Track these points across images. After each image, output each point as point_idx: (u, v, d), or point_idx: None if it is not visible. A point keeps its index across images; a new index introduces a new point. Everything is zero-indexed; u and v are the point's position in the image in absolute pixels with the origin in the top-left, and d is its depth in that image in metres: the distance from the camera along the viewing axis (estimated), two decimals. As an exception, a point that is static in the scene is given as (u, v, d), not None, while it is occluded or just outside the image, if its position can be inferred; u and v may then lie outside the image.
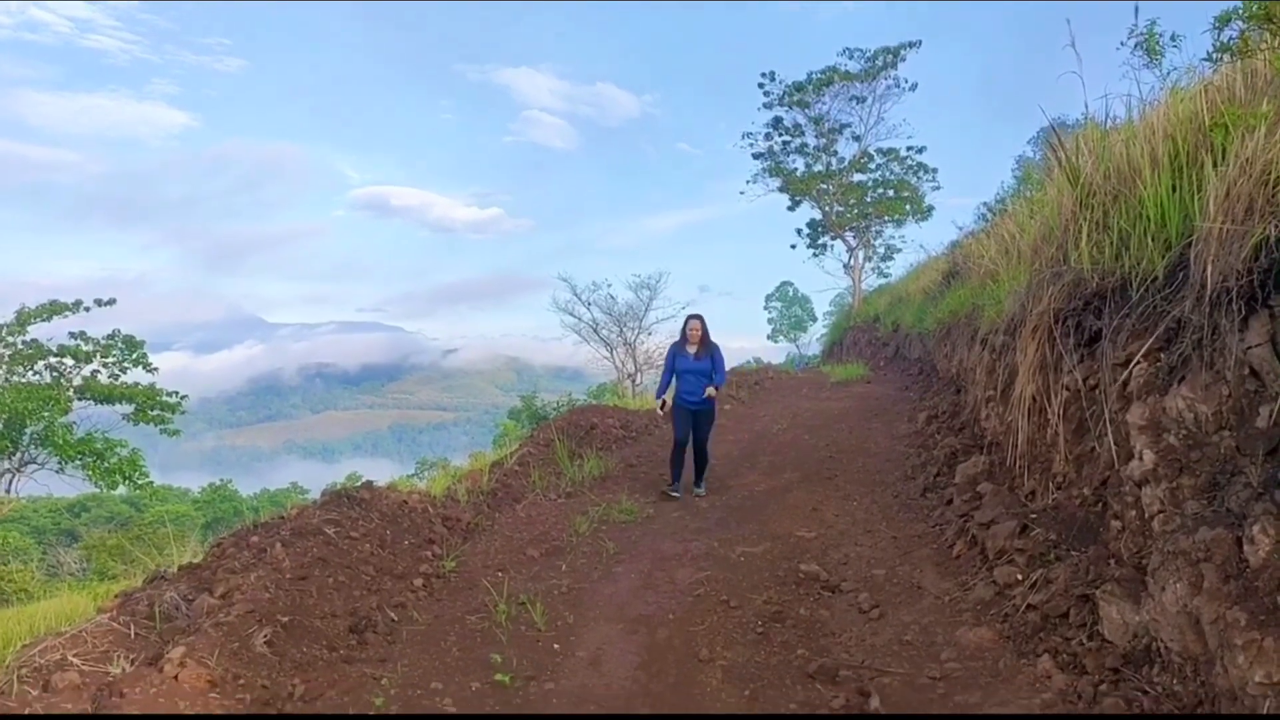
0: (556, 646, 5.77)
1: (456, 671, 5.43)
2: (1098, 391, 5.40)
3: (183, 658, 4.71)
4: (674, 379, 9.90)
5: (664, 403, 9.93)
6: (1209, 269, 4.25)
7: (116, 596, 6.10)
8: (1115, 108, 6.52)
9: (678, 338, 10.05)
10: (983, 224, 16.01)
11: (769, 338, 48.50)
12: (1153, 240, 5.00)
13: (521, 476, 10.78)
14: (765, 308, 48.67)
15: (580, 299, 24.21)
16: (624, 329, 24.27)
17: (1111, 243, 5.44)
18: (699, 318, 9.83)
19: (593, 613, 6.34)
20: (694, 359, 9.65)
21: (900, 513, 7.92)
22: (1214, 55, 5.79)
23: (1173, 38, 6.30)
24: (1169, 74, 6.29)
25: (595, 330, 24.30)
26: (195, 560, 6.82)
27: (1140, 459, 4.64)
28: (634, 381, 23.16)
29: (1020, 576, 5.51)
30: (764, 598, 6.32)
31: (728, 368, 12.09)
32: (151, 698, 4.37)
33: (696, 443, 9.77)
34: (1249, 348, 4.03)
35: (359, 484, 8.77)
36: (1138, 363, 4.85)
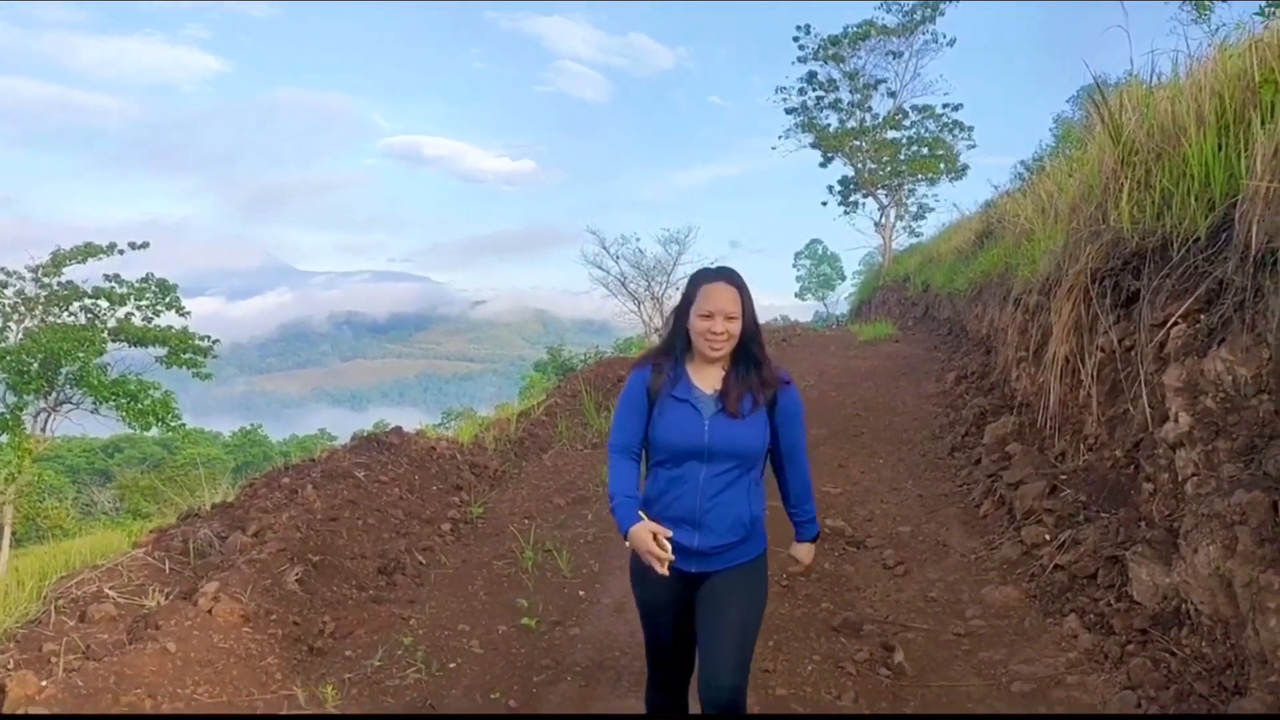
0: (582, 593, 5.83)
1: (483, 614, 5.50)
2: (1133, 353, 5.33)
3: (216, 592, 4.80)
4: (641, 469, 3.24)
5: (657, 541, 2.94)
6: (1254, 229, 4.17)
7: (151, 532, 6.23)
8: (1161, 64, 6.39)
9: (660, 347, 3.38)
10: (1019, 183, 15.76)
11: (797, 295, 48.15)
12: (1196, 199, 4.90)
13: (548, 426, 10.86)
14: (794, 265, 48.33)
15: (609, 252, 24.16)
16: (651, 283, 24.22)
17: (1153, 202, 5.34)
18: (733, 281, 3.10)
19: (618, 561, 6.39)
20: (715, 409, 3.09)
21: (927, 471, 7.90)
22: (1265, 10, 5.66)
23: (1222, -7, 6.16)
24: (1217, 30, 6.16)
25: (623, 284, 24.26)
26: (228, 500, 6.93)
27: (1175, 421, 4.58)
28: (661, 335, 23.10)
29: (1048, 536, 5.49)
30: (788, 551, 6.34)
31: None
32: (186, 630, 4.46)
33: (711, 682, 3.03)
34: (1293, 310, 3.96)
35: (388, 429, 8.85)
36: (1176, 324, 4.77)
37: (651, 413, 3.16)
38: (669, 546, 2.96)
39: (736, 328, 3.06)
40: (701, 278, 3.15)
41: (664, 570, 2.94)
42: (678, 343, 3.20)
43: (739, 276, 3.16)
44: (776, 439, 3.20)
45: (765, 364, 3.16)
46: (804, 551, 3.48)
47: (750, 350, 3.13)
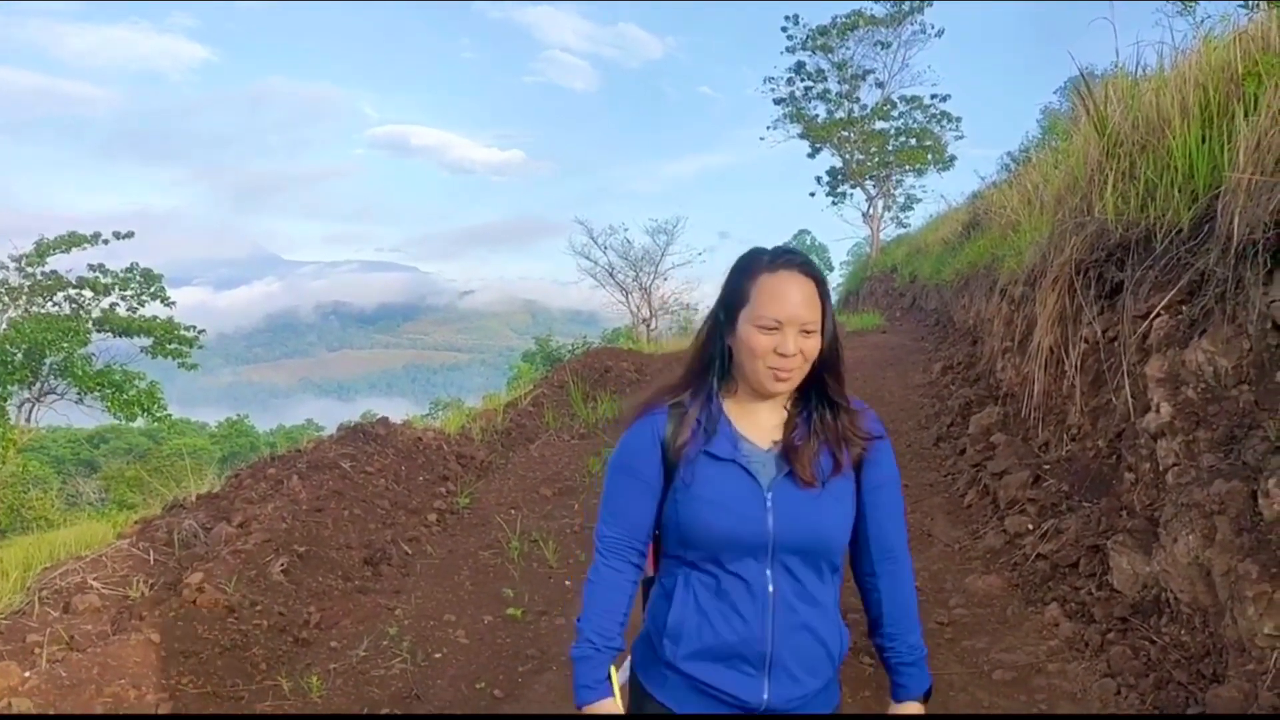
0: (568, 583, 5.84)
1: (469, 604, 5.51)
2: (1116, 344, 5.36)
3: (201, 583, 4.80)
4: (664, 581, 2.03)
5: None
6: (1236, 221, 4.19)
7: (136, 523, 6.21)
8: (1147, 56, 6.41)
9: (668, 389, 2.05)
10: (1005, 174, 15.81)
11: (785, 286, 48.12)
12: (1179, 191, 4.92)
13: (535, 417, 10.86)
14: (782, 255, 48.25)
15: (597, 243, 24.16)
16: (640, 274, 24.22)
17: (1137, 193, 5.36)
18: (809, 272, 1.81)
19: (605, 552, 6.40)
20: (780, 473, 1.86)
21: (912, 461, 7.92)
22: (1249, 2, 5.68)
23: (1208, -16, 6.18)
24: (1202, 22, 6.18)
25: (611, 274, 24.25)
26: (213, 490, 6.92)
27: (1157, 411, 4.61)
28: (649, 326, 23.13)
29: (1031, 526, 5.52)
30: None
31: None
32: (170, 621, 4.46)
33: None
34: (1272, 301, 3.98)
35: (375, 420, 8.84)
36: (1158, 315, 4.80)
37: (671, 485, 1.94)
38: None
39: (814, 347, 1.84)
40: (760, 264, 1.85)
41: None
42: (713, 369, 1.95)
43: (815, 266, 1.88)
44: (864, 522, 2.03)
45: (847, 405, 1.98)
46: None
47: (824, 381, 1.94)
